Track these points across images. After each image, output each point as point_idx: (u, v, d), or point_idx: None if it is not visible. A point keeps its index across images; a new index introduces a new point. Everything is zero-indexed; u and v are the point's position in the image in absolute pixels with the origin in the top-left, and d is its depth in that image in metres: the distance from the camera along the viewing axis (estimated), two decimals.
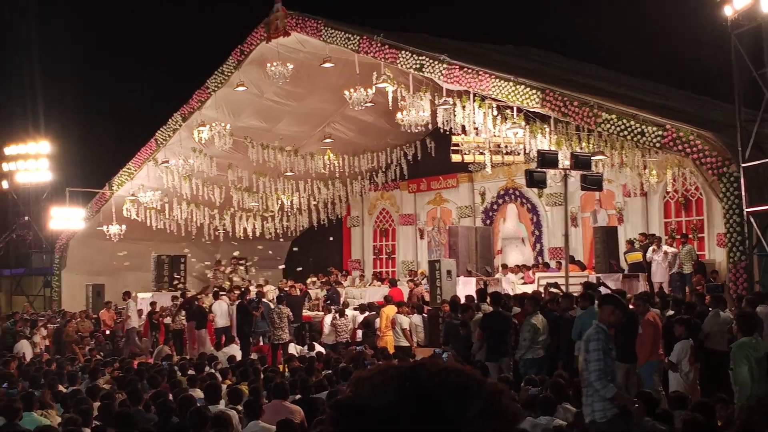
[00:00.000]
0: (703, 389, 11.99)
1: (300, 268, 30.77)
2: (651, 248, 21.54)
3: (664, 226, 24.48)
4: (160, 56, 43.44)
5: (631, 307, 13.28)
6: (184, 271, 30.02)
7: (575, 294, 15.46)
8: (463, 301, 17.60)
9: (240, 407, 9.70)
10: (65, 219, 30.87)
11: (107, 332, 25.82)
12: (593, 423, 7.67)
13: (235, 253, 30.82)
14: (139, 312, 26.46)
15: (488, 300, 15.88)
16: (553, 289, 18.18)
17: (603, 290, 15.59)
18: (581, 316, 13.06)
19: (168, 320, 24.47)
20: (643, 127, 17.28)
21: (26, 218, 36.48)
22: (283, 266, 33.50)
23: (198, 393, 10.87)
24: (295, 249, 34.37)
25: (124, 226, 28.55)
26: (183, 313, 23.15)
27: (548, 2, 39.72)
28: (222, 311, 22.58)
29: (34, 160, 37.37)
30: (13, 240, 39.36)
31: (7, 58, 43.55)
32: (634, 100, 20.73)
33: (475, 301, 17.55)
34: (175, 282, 28.98)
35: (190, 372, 14.11)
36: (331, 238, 33.02)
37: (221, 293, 23.93)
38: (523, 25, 36.05)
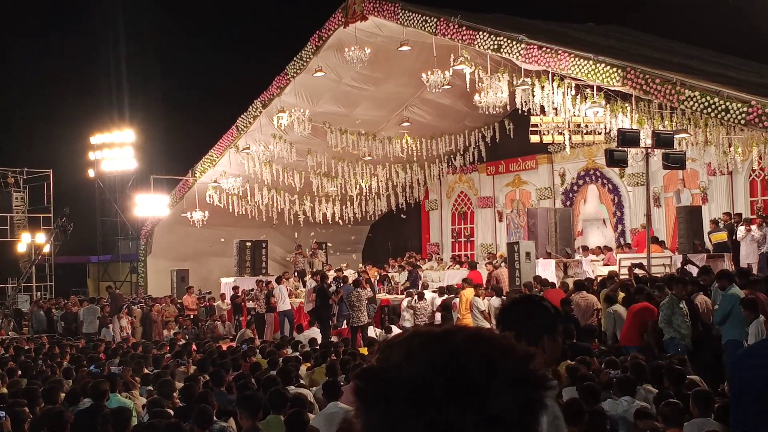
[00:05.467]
0: None
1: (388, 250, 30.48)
2: (742, 227, 20.89)
3: (750, 205, 23.84)
4: (240, 45, 44.03)
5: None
6: (266, 256, 30.39)
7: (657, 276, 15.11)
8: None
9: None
10: (150, 206, 31.47)
11: (191, 316, 26.35)
12: None
13: (315, 238, 31.09)
14: (222, 296, 26.97)
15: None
16: (637, 270, 17.84)
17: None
18: (726, 298, 12.19)
19: (251, 304, 24.83)
20: (728, 103, 16.75)
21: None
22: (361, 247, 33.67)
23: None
24: (371, 234, 34.57)
25: (207, 213, 28.96)
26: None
27: None
28: (283, 295, 22.94)
29: (119, 149, 38.22)
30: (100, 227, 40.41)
31: (94, 49, 44.64)
32: (719, 76, 20.12)
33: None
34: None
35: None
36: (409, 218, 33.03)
37: (283, 278, 24.35)
38: (603, 3, 35.31)
